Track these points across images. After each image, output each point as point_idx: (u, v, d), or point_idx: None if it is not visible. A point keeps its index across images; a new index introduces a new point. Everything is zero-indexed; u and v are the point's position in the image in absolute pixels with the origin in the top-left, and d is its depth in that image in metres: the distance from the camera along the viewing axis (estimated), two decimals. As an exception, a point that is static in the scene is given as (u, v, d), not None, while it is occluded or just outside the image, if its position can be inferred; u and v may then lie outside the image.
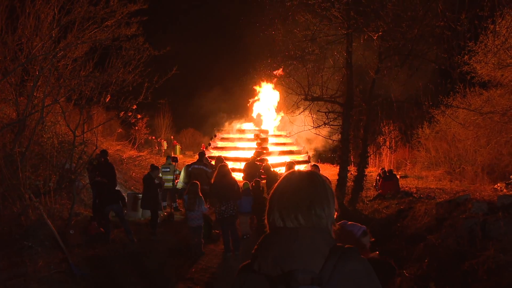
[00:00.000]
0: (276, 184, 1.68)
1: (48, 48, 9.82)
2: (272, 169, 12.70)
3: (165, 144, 35.33)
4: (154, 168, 10.75)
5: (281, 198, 1.59)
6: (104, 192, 9.53)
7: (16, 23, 9.74)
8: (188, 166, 12.37)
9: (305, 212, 1.53)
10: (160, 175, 12.69)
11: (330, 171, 22.60)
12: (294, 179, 1.63)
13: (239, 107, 33.01)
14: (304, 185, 1.59)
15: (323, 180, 1.65)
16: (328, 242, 1.48)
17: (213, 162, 14.27)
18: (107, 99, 10.33)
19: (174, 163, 13.84)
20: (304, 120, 13.53)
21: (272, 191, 1.67)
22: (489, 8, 10.16)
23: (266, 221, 1.64)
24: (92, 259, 7.70)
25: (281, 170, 19.95)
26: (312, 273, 1.37)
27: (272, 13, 13.01)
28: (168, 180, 12.87)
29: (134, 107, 10.54)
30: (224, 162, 10.43)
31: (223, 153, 20.99)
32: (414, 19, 11.05)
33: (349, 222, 2.89)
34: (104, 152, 11.15)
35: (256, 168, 13.37)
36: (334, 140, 13.95)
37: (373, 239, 2.92)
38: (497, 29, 14.87)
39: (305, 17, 12.25)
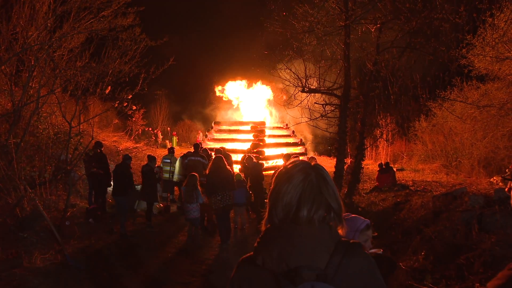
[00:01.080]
0: (277, 176, 1.61)
1: (43, 38, 9.73)
2: (255, 161, 12.39)
3: (160, 135, 35.25)
4: (152, 158, 10.74)
5: (285, 192, 1.52)
6: (116, 183, 9.70)
7: (11, 12, 9.63)
8: (183, 157, 12.34)
9: (311, 207, 1.47)
10: (161, 165, 12.74)
11: (327, 164, 22.61)
12: (305, 173, 1.55)
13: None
14: (311, 178, 1.53)
15: (328, 174, 1.60)
16: (333, 237, 1.45)
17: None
18: (107, 90, 10.26)
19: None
20: (302, 112, 13.47)
21: (273, 184, 1.61)
22: (488, 0, 10.13)
23: (266, 215, 1.59)
24: (87, 251, 7.69)
25: (278, 162, 20.03)
26: (317, 269, 1.35)
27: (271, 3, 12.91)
28: (166, 171, 12.86)
29: (129, 97, 10.47)
30: (222, 154, 10.40)
31: (220, 145, 20.97)
32: (413, 11, 10.99)
33: (352, 215, 2.84)
34: (98, 144, 11.09)
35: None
36: (331, 133, 13.90)
37: (376, 234, 2.89)
38: (495, 22, 14.83)
39: (302, 8, 12.16)
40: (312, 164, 1.62)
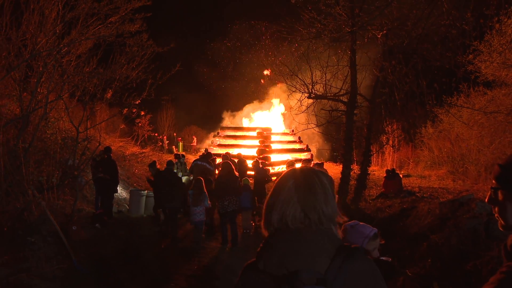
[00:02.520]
0: (276, 183, 1.64)
1: (52, 44, 9.82)
2: (261, 166, 12.34)
3: (166, 141, 35.25)
4: (153, 164, 10.89)
5: (282, 198, 1.55)
6: (163, 190, 9.79)
7: (21, 19, 9.73)
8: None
9: (308, 212, 1.50)
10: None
11: (333, 170, 22.55)
12: (295, 178, 1.58)
13: (243, 102, 33.24)
14: (306, 184, 1.55)
15: (325, 178, 1.61)
16: (334, 242, 1.46)
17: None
18: (109, 95, 10.34)
19: (176, 160, 13.93)
20: (308, 118, 13.50)
21: (271, 190, 1.64)
22: (495, 6, 10.11)
23: (263, 221, 1.61)
24: (94, 255, 7.72)
25: (284, 168, 20.01)
26: (317, 274, 1.36)
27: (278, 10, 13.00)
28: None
29: (137, 102, 10.56)
30: (229, 160, 10.50)
31: (226, 151, 21.01)
32: (419, 18, 10.99)
33: (361, 223, 2.84)
34: (107, 149, 11.17)
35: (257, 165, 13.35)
36: (337, 139, 13.91)
37: (383, 242, 2.88)
38: (502, 28, 14.79)
39: (309, 14, 12.20)
40: (313, 169, 1.65)
